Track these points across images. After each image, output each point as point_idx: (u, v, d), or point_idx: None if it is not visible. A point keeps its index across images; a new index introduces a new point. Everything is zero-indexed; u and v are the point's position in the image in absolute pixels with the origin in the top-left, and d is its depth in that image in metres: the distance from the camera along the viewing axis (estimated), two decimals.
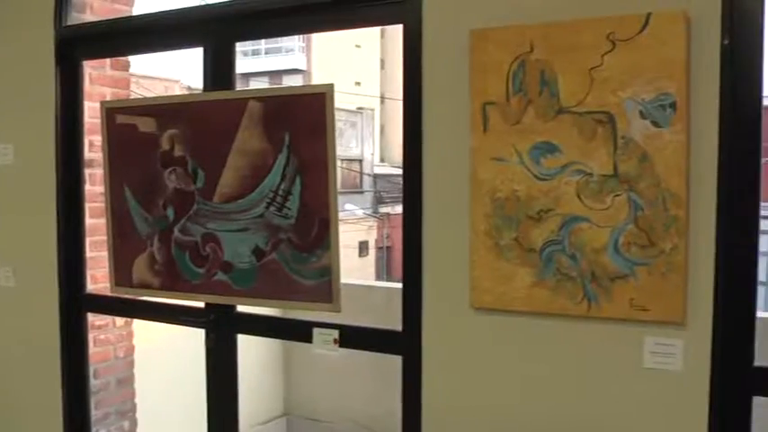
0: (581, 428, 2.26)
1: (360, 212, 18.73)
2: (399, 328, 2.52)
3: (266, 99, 2.64)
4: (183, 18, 3.01)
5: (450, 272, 2.38)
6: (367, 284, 4.78)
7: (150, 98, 3.70)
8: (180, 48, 3.05)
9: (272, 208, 2.64)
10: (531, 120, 2.21)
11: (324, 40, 26.70)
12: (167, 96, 3.45)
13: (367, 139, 22.65)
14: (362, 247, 19.54)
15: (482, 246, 2.29)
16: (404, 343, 2.50)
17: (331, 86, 2.54)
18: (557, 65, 2.18)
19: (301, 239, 2.60)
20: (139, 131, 2.91)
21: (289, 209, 2.61)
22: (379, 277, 19.57)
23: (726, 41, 2.05)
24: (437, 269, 2.42)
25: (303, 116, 2.56)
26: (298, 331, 2.77)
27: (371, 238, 20.63)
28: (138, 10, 3.50)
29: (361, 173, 21.46)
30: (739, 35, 2.05)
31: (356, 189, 21.39)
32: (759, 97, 2.07)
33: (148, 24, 3.11)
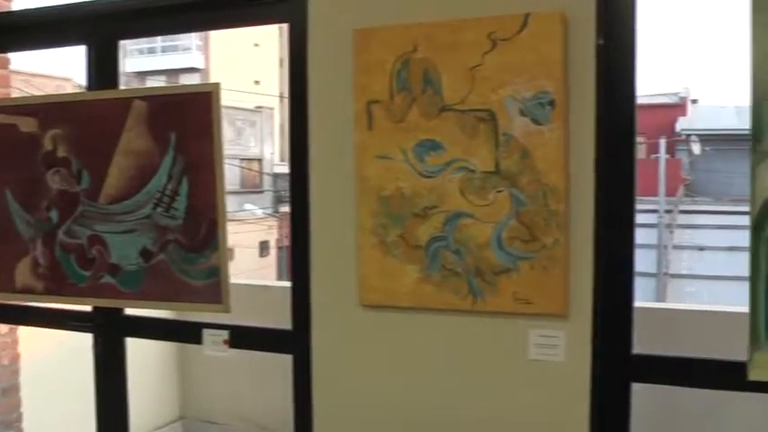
0: (470, 421, 2.30)
1: (259, 212, 18.62)
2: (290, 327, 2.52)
3: (151, 98, 2.60)
4: (64, 15, 2.92)
5: (338, 270, 2.39)
6: (263, 284, 4.75)
7: (31, 97, 3.57)
8: (62, 45, 2.97)
9: (159, 209, 2.60)
10: (415, 118, 2.23)
11: (222, 39, 26.34)
12: (49, 95, 3.33)
13: (267, 139, 22.53)
14: (263, 247, 19.43)
15: (369, 243, 2.31)
16: (294, 342, 2.49)
17: (217, 85, 2.52)
18: (440, 64, 2.21)
19: (189, 240, 2.57)
20: (20, 131, 2.81)
21: (176, 209, 2.57)
22: (280, 277, 19.48)
23: (601, 41, 2.11)
24: (325, 267, 2.42)
25: (189, 116, 2.53)
26: (187, 333, 2.73)
27: (272, 238, 20.53)
28: (17, 5, 3.39)
29: (261, 172, 21.33)
30: (613, 35, 2.12)
31: (256, 189, 21.24)
32: (633, 95, 2.15)
33: (28, 20, 3.02)
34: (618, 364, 2.17)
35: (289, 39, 2.45)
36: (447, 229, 2.22)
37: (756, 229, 1.97)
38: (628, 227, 2.15)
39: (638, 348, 2.19)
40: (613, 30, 2.12)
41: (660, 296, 11.40)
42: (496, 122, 2.15)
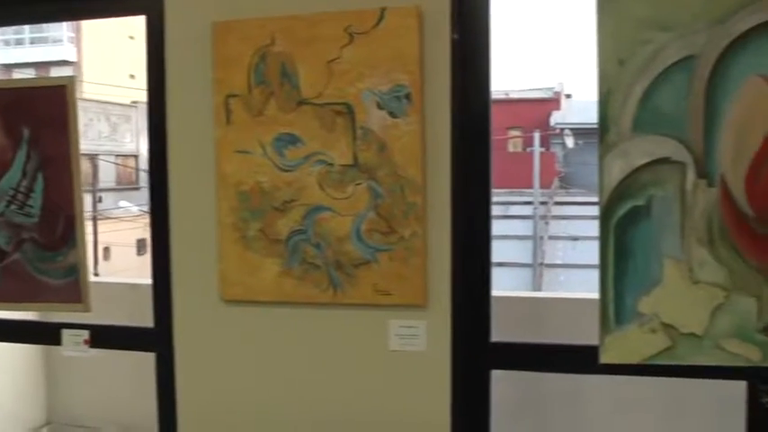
0: (334, 412, 2.31)
1: (135, 209, 18.12)
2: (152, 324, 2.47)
3: (2, 92, 2.50)
4: None
5: (199, 265, 2.36)
6: (133, 282, 4.63)
7: None
8: None
9: (12, 206, 2.51)
10: (273, 111, 2.23)
11: (95, 31, 25.42)
12: None
13: (142, 134, 21.92)
14: (141, 246, 18.92)
15: (229, 238, 2.29)
16: (156, 340, 2.45)
17: (72, 79, 2.46)
18: (297, 57, 2.21)
19: (46, 238, 2.49)
20: None
21: (31, 207, 2.49)
22: None
23: (456, 36, 2.15)
24: (186, 263, 2.39)
25: (43, 110, 2.45)
26: (46, 334, 2.65)
27: (150, 236, 19.77)
28: None
29: (137, 168, 20.80)
30: (468, 30, 2.16)
31: (132, 185, 20.66)
32: (487, 89, 2.20)
33: None
34: (477, 352, 2.22)
35: (146, 31, 2.40)
36: (307, 223, 2.22)
37: (604, 219, 2.05)
38: (484, 218, 2.20)
39: (496, 336, 2.24)
40: (468, 25, 2.16)
41: (536, 285, 11.72)
42: (354, 116, 2.17)
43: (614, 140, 2.02)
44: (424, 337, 2.20)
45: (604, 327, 2.07)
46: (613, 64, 2.01)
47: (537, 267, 12.27)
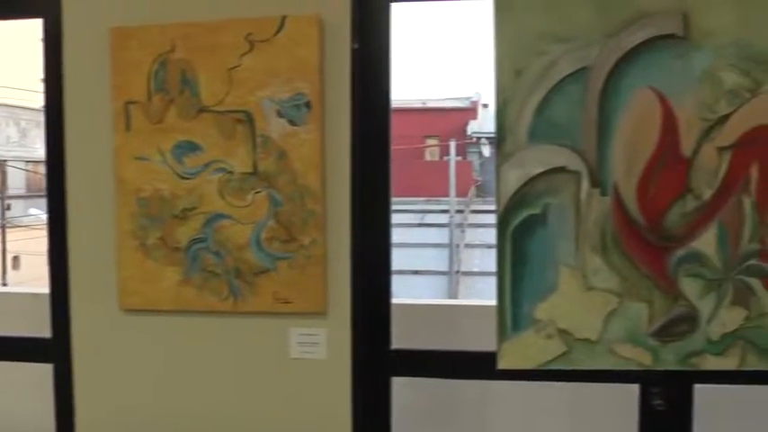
0: (235, 422, 2.29)
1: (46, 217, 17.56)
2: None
3: None
4: None
5: (98, 274, 2.32)
6: (36, 292, 4.49)
7: None
8: None
9: None
10: (173, 119, 2.21)
11: (3, 34, 24.71)
12: None
13: None
14: None
15: (128, 246, 2.26)
16: (53, 351, 2.39)
17: None
18: (197, 64, 2.19)
19: None
20: None
21: None
22: None
23: (356, 45, 2.16)
24: (85, 272, 2.34)
25: None
26: None
27: None
28: None
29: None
30: (368, 39, 2.18)
31: (42, 192, 20.01)
32: (387, 98, 2.21)
33: None
34: (377, 360, 2.23)
35: (43, 35, 2.35)
36: (207, 231, 2.21)
37: (501, 227, 2.08)
38: (384, 226, 2.21)
39: (397, 344, 2.26)
40: (368, 34, 2.18)
41: (452, 293, 11.81)
42: (254, 124, 2.16)
43: (511, 150, 2.06)
44: (324, 345, 2.21)
45: (502, 333, 2.10)
46: (510, 74, 2.05)
47: (453, 275, 12.35)
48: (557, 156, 2.06)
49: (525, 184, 2.06)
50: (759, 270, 2.05)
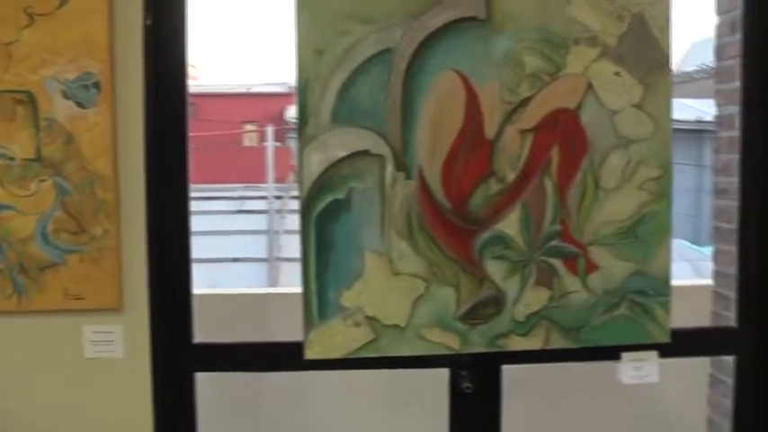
0: (29, 429, 2.12)
1: None
2: None
3: None
4: None
5: None
6: None
7: None
8: None
9: None
10: None
11: None
12: None
13: None
14: None
15: None
16: None
17: None
18: None
19: None
20: None
21: None
22: None
23: (149, 22, 2.03)
24: None
25: None
26: None
27: None
28: None
29: None
30: (163, 16, 2.05)
31: None
32: (184, 78, 2.09)
33: None
34: (179, 356, 2.12)
35: None
36: None
37: (305, 212, 2.02)
38: (183, 214, 2.09)
39: (200, 337, 2.16)
40: (163, 10, 2.05)
41: (273, 280, 11.73)
42: (36, 105, 1.99)
43: (313, 133, 2.00)
44: (121, 343, 2.07)
45: (308, 322, 2.05)
46: (311, 54, 1.99)
47: (273, 262, 12.25)
48: (360, 139, 2.01)
49: (328, 168, 2.01)
50: (561, 251, 2.09)
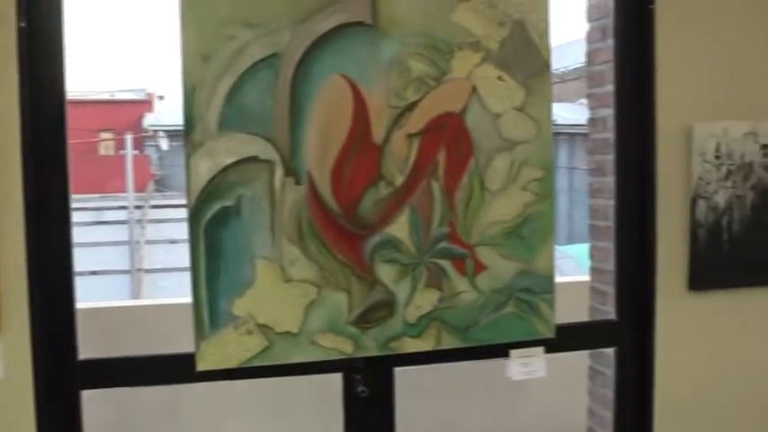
0: None
1: None
2: None
3: None
4: None
5: None
6: None
7: None
8: None
9: None
10: None
11: None
12: None
13: None
14: None
15: None
16: None
17: None
18: None
19: None
20: None
21: None
22: None
23: (23, 24, 1.94)
24: None
25: None
26: None
27: None
28: None
29: None
30: (38, 18, 1.96)
31: None
32: (62, 84, 2.01)
33: None
34: (64, 373, 2.03)
35: None
36: None
37: (194, 220, 1.97)
38: (63, 227, 2.01)
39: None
40: (38, 12, 1.96)
41: (135, 293, 11.37)
42: None
43: (200, 139, 1.96)
44: (1, 363, 1.97)
45: (200, 332, 2.00)
46: (197, 60, 1.95)
47: (135, 273, 11.91)
48: (249, 145, 1.99)
49: (216, 175, 1.97)
50: (449, 252, 2.12)
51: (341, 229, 2.06)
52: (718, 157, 2.39)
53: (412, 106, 2.07)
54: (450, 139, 2.10)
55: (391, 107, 2.05)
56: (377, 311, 2.09)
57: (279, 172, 2.00)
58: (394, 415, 2.22)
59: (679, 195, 2.36)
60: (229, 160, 1.97)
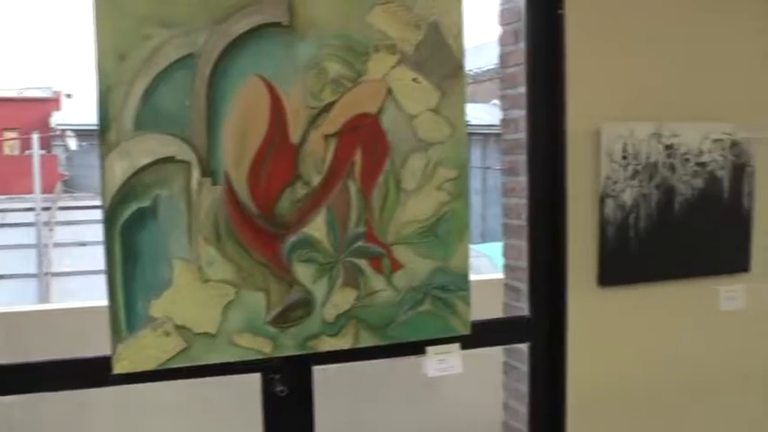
0: None
1: None
2: None
3: None
4: None
5: None
6: None
7: None
8: None
9: None
10: None
11: None
12: None
13: None
14: None
15: None
16: None
17: None
18: None
19: None
20: None
21: None
22: None
23: None
24: None
25: None
26: None
27: None
28: None
29: None
30: None
31: None
32: None
33: None
34: None
35: None
36: None
37: (109, 222, 1.96)
38: None
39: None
40: None
41: (44, 297, 11.03)
42: None
43: (116, 139, 1.94)
44: None
45: (116, 334, 1.98)
46: (113, 59, 1.93)
47: (43, 277, 11.57)
48: (165, 145, 1.98)
49: (132, 176, 1.96)
50: (366, 251, 2.15)
51: (258, 230, 2.07)
52: (624, 158, 2.48)
53: (329, 107, 2.09)
54: (366, 139, 2.13)
55: (308, 108, 2.07)
56: (295, 311, 2.11)
57: (196, 172, 2.00)
58: (313, 413, 2.24)
59: (588, 194, 2.44)
60: (145, 161, 1.96)
